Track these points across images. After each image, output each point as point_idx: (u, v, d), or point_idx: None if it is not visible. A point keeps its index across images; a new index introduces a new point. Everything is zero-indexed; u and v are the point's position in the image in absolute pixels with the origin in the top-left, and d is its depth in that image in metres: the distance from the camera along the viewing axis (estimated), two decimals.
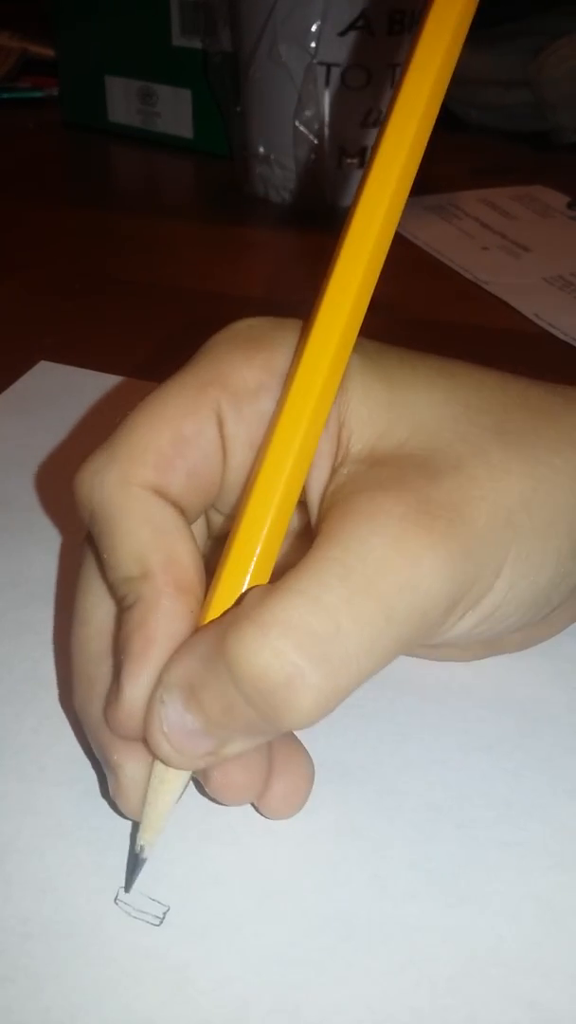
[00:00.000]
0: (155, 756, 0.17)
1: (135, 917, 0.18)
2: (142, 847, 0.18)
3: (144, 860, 0.18)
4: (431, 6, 0.17)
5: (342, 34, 0.51)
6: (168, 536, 0.18)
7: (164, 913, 0.18)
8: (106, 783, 0.19)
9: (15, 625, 0.24)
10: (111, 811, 0.20)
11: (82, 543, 0.21)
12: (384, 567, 0.16)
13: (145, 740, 0.17)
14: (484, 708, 0.22)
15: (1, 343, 0.40)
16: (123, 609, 0.18)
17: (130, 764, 0.18)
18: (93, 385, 0.36)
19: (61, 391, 0.36)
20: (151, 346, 0.40)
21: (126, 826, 0.19)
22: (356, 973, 0.17)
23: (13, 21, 0.87)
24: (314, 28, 0.50)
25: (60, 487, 0.30)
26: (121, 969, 0.17)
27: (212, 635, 0.17)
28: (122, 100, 0.70)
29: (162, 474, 0.18)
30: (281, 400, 0.18)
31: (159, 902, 0.18)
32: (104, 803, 0.20)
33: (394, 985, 0.17)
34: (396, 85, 0.18)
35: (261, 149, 0.56)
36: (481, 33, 0.73)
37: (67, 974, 0.17)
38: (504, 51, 0.70)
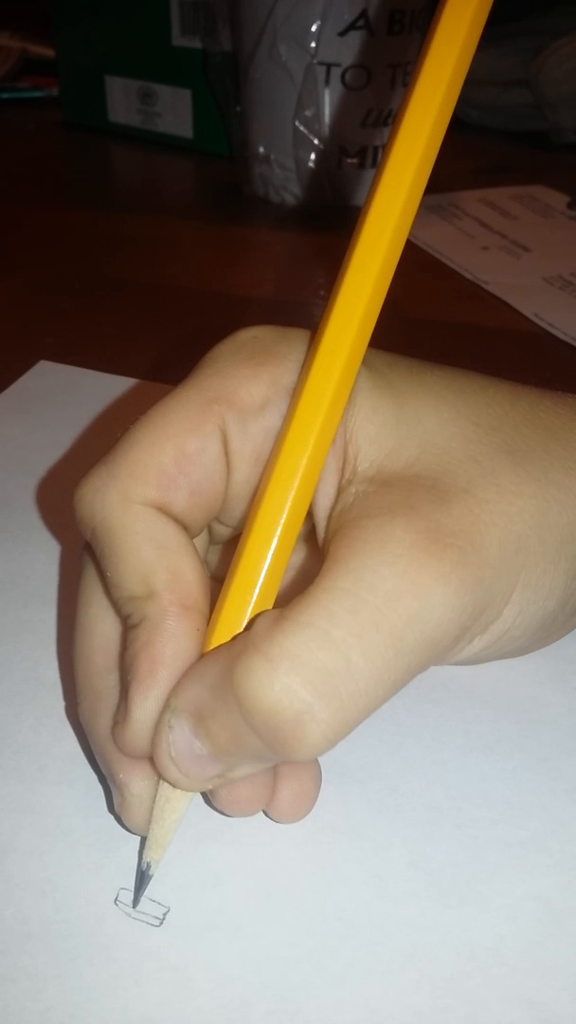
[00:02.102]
0: (162, 778, 0.17)
1: (135, 918, 0.18)
2: (148, 864, 0.18)
3: (151, 876, 0.18)
4: (445, 5, 0.17)
5: (342, 34, 0.51)
6: (172, 554, 0.18)
7: (164, 914, 0.18)
8: (111, 797, 0.19)
9: (15, 625, 0.24)
10: (111, 812, 0.20)
11: (81, 551, 0.21)
12: (394, 599, 0.16)
13: (152, 761, 0.17)
14: (484, 708, 0.22)
15: (1, 343, 0.40)
16: (128, 627, 0.18)
17: (136, 782, 0.18)
18: (93, 385, 0.36)
19: (61, 391, 0.36)
20: (151, 346, 0.40)
21: (124, 829, 0.19)
22: (356, 973, 0.17)
23: (13, 21, 0.87)
24: (314, 28, 0.50)
25: (60, 487, 0.30)
26: (121, 969, 0.17)
27: (221, 662, 0.16)
28: (122, 100, 0.70)
29: (164, 492, 0.18)
30: (288, 416, 0.18)
31: (159, 903, 0.18)
32: (104, 803, 0.20)
33: (394, 985, 0.17)
34: (408, 89, 0.17)
35: (261, 149, 0.56)
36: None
37: (67, 974, 0.17)
38: (504, 51, 0.70)
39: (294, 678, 0.15)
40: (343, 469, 0.18)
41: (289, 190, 0.57)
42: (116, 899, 0.18)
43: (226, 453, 0.19)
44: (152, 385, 0.36)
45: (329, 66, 0.52)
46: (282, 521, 0.17)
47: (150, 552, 0.18)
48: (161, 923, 0.18)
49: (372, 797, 0.20)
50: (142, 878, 0.18)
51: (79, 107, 0.73)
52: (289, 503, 0.18)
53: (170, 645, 0.17)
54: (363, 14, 0.50)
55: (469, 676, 0.23)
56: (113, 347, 0.39)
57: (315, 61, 0.51)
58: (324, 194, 0.56)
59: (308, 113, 0.53)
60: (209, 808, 0.20)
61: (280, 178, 0.57)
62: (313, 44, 0.51)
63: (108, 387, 0.36)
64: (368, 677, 0.16)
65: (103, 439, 0.32)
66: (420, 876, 0.19)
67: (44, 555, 0.27)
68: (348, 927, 0.18)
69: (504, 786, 0.20)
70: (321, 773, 0.19)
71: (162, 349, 0.39)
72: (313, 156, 0.55)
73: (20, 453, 0.32)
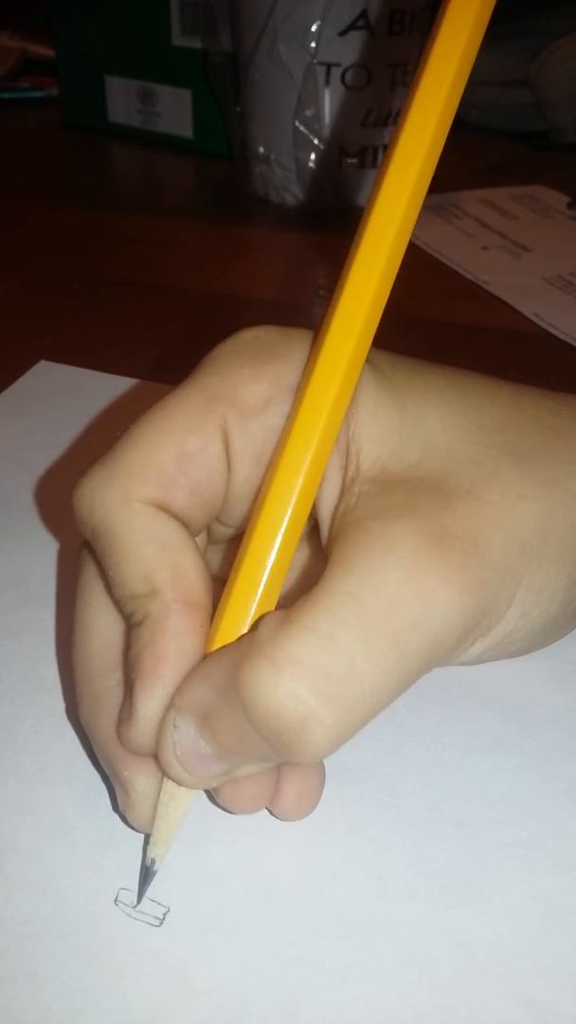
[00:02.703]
0: (167, 776, 0.17)
1: (135, 918, 0.18)
2: (152, 860, 0.18)
3: (155, 872, 0.18)
4: (449, 4, 0.17)
5: (342, 34, 0.51)
6: (173, 551, 0.18)
7: (164, 914, 0.18)
8: (113, 796, 0.19)
9: (15, 625, 0.24)
10: (111, 811, 0.20)
11: (80, 549, 0.20)
12: (398, 602, 0.16)
13: (156, 759, 0.17)
14: (484, 708, 0.22)
15: (1, 343, 0.40)
16: (131, 626, 0.18)
17: (140, 780, 0.18)
18: (93, 385, 0.36)
19: (61, 391, 0.36)
20: (151, 346, 0.40)
21: (125, 829, 0.19)
22: (356, 973, 0.17)
23: (13, 21, 0.87)
24: (314, 28, 0.50)
25: (60, 487, 0.30)
26: (121, 969, 0.17)
27: (226, 664, 0.16)
28: (122, 100, 0.70)
29: (165, 490, 0.18)
30: (291, 415, 0.18)
31: (159, 903, 0.18)
32: (104, 803, 0.20)
33: (394, 985, 0.17)
34: (411, 89, 0.17)
35: (261, 149, 0.56)
36: None
37: (67, 974, 0.17)
38: (504, 51, 0.70)
39: (299, 683, 0.15)
40: (346, 468, 0.18)
41: (289, 190, 0.57)
42: (116, 899, 0.18)
43: (227, 453, 0.19)
44: (152, 385, 0.36)
45: (329, 66, 0.52)
46: (286, 520, 0.17)
47: (151, 550, 0.18)
48: (161, 923, 0.18)
49: (372, 797, 0.20)
50: (146, 875, 0.18)
51: (79, 107, 0.73)
52: (292, 502, 0.17)
53: (174, 642, 0.17)
54: (363, 14, 0.50)
55: (469, 676, 0.23)
56: (113, 347, 0.39)
57: (315, 61, 0.51)
58: (324, 194, 0.56)
59: (308, 113, 0.53)
60: (209, 808, 0.20)
61: (280, 178, 0.57)
62: (313, 44, 0.51)
63: (108, 387, 0.36)
64: (372, 680, 0.16)
65: (103, 439, 0.32)
66: (420, 876, 0.19)
67: (44, 555, 0.27)
68: (348, 927, 0.18)
69: (504, 786, 0.20)
70: (324, 771, 0.19)
71: (162, 349, 0.39)
72: (313, 156, 0.55)
73: (20, 453, 0.32)
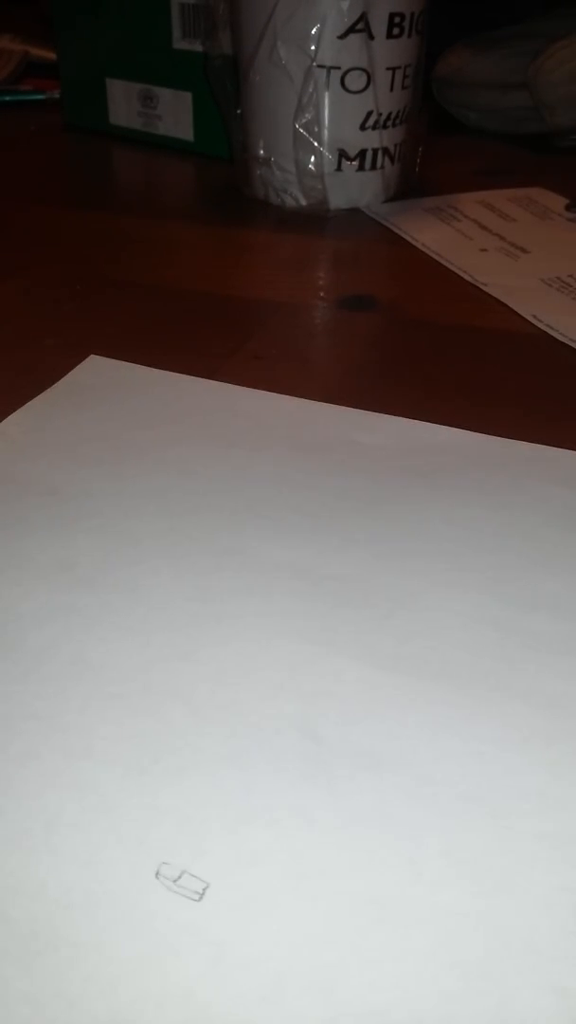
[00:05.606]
0: None
1: (175, 892, 0.18)
2: None
3: None
4: None
5: (342, 37, 0.51)
6: None
7: (204, 889, 0.18)
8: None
9: (63, 608, 0.25)
10: (154, 791, 0.20)
11: None
12: None
13: None
14: (520, 703, 0.23)
15: (2, 344, 0.40)
16: None
17: None
18: (142, 379, 0.37)
19: (110, 384, 0.37)
20: (151, 347, 0.40)
21: (167, 807, 0.20)
22: (390, 954, 0.17)
23: (15, 24, 0.88)
24: (314, 31, 0.51)
25: (108, 477, 0.31)
26: (161, 941, 0.17)
27: None
28: (123, 103, 0.70)
29: None
30: None
31: (199, 878, 0.18)
32: (147, 782, 0.20)
33: (427, 968, 0.17)
34: None
35: (261, 152, 0.57)
36: (480, 36, 0.73)
37: (108, 944, 0.17)
38: (503, 54, 0.70)
39: None
40: None
41: (289, 192, 0.57)
42: (158, 873, 0.19)
43: None
44: (202, 381, 0.37)
45: (329, 69, 0.52)
46: None
47: None
48: (201, 898, 0.18)
49: (407, 786, 0.20)
50: None
51: (80, 110, 0.74)
52: None
53: None
54: (363, 17, 0.51)
55: (505, 670, 0.23)
56: (113, 348, 0.40)
57: (315, 64, 0.52)
58: (324, 197, 0.56)
59: (308, 116, 0.53)
60: (250, 791, 0.20)
61: (280, 180, 0.57)
62: (313, 47, 0.51)
63: (156, 382, 0.37)
64: None
65: (150, 432, 0.33)
66: (454, 864, 0.19)
67: (91, 541, 0.28)
68: (382, 910, 0.18)
69: (539, 779, 0.21)
70: None
71: (162, 350, 0.40)
72: (313, 159, 0.55)
73: (69, 444, 0.33)
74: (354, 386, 0.37)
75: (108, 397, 0.36)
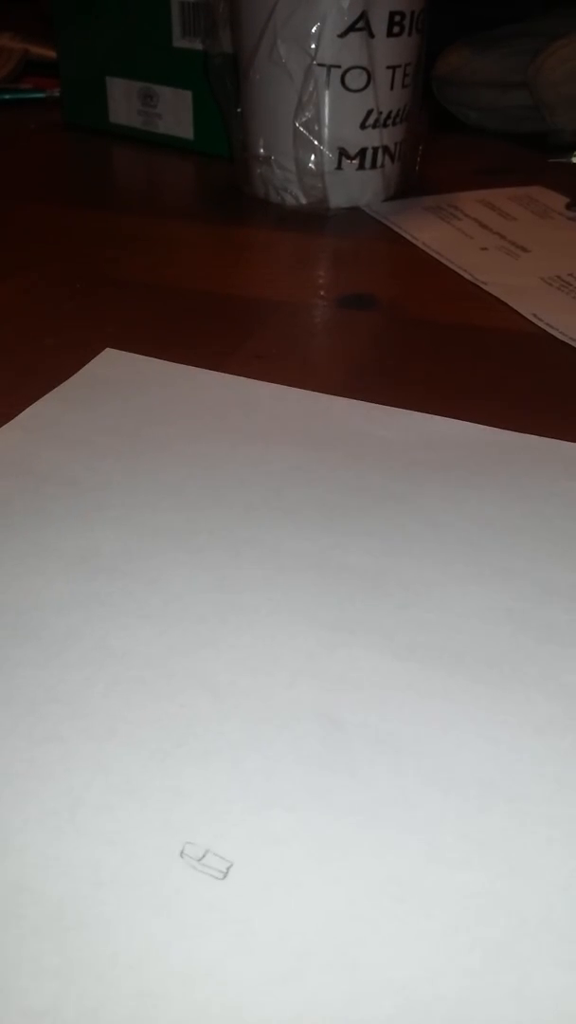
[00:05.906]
0: None
1: (200, 871, 0.18)
2: None
3: None
4: None
5: (342, 35, 0.51)
6: None
7: (228, 868, 0.19)
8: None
9: (86, 596, 0.25)
10: (177, 773, 0.20)
11: None
12: None
13: None
14: (533, 691, 0.23)
15: (2, 343, 0.40)
16: None
17: None
18: (157, 372, 0.38)
19: (125, 377, 0.37)
20: (152, 346, 0.40)
21: (190, 790, 0.20)
22: (411, 932, 0.18)
23: (16, 23, 0.88)
24: (314, 30, 0.51)
25: (125, 469, 0.31)
26: (186, 918, 0.18)
27: None
28: (123, 101, 0.70)
29: None
30: None
31: (223, 857, 0.19)
32: (170, 765, 0.21)
33: (447, 946, 0.17)
34: None
35: (261, 150, 0.57)
36: (480, 35, 0.73)
37: (135, 921, 0.18)
38: (503, 53, 0.71)
39: None
40: None
41: (289, 191, 0.57)
42: (182, 852, 0.19)
43: None
44: (215, 374, 0.37)
45: (329, 67, 0.52)
46: None
47: None
48: (225, 876, 0.18)
49: (426, 772, 0.21)
50: None
51: (80, 108, 0.74)
52: None
53: None
54: (363, 16, 0.51)
55: (520, 660, 0.24)
56: (114, 347, 0.40)
57: (315, 63, 0.52)
58: (324, 195, 0.56)
59: (308, 114, 0.54)
60: (271, 774, 0.21)
61: (280, 179, 0.57)
62: (313, 46, 0.51)
63: (172, 375, 0.37)
64: None
65: (166, 425, 0.34)
66: (472, 846, 0.19)
67: (112, 532, 0.28)
68: (403, 889, 0.18)
69: (555, 766, 0.21)
70: None
71: (162, 349, 0.40)
72: (313, 157, 0.55)
73: (87, 436, 0.33)
74: (354, 385, 0.37)
75: (124, 390, 0.36)
